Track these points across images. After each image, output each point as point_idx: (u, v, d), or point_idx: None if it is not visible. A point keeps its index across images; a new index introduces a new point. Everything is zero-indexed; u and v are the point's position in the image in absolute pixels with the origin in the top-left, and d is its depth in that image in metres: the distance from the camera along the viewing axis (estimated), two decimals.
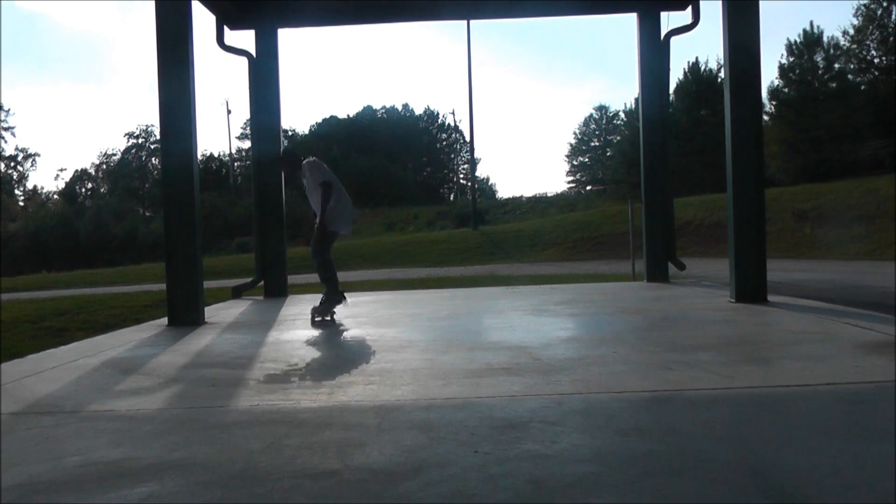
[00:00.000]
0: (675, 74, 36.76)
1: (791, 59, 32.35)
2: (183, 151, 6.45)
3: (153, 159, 58.75)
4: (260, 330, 5.91)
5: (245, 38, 9.36)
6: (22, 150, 62.85)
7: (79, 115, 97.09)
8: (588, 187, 57.76)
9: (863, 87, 31.28)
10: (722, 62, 10.31)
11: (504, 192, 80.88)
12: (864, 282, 10.35)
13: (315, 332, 5.63)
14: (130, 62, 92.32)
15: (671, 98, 16.47)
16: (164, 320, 6.54)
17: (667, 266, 9.40)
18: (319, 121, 65.96)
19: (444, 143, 67.26)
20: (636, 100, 11.03)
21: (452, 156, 65.69)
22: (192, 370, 4.15)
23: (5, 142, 58.90)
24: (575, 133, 67.72)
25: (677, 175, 21.09)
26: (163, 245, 6.73)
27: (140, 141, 63.04)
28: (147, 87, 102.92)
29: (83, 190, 64.47)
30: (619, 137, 48.77)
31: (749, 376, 3.45)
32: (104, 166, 64.63)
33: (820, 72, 31.93)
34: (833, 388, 3.13)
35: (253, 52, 9.19)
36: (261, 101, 9.31)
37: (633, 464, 2.20)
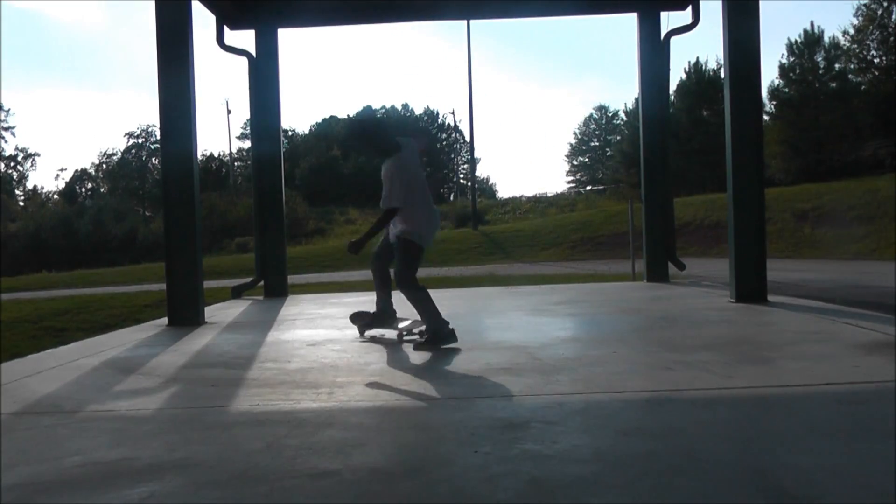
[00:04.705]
0: (676, 74, 36.77)
1: (791, 59, 32.34)
2: (183, 151, 6.44)
3: (153, 159, 58.72)
4: (260, 330, 5.91)
5: (245, 38, 9.35)
6: (22, 150, 62.90)
7: (79, 114, 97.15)
8: (588, 187, 57.71)
9: (863, 87, 31.26)
10: (722, 62, 10.31)
11: (504, 192, 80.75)
12: (864, 282, 10.35)
13: (315, 333, 5.63)
14: (130, 62, 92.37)
15: (671, 98, 16.48)
16: (164, 320, 6.53)
17: (667, 266, 9.40)
18: (319, 121, 66.04)
19: (444, 143, 67.26)
20: (636, 100, 11.03)
21: (452, 156, 65.65)
22: (192, 370, 4.15)
23: (5, 142, 58.95)
24: (575, 133, 67.87)
25: (677, 175, 21.13)
26: (163, 245, 6.73)
27: (140, 141, 63.06)
28: (147, 87, 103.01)
29: (83, 190, 64.50)
30: (619, 137, 48.80)
31: (749, 376, 3.45)
32: (104, 166, 64.67)
33: (820, 72, 31.91)
34: (833, 388, 3.13)
35: (253, 52, 9.18)
36: (261, 101, 9.30)
37: (633, 464, 2.20)
